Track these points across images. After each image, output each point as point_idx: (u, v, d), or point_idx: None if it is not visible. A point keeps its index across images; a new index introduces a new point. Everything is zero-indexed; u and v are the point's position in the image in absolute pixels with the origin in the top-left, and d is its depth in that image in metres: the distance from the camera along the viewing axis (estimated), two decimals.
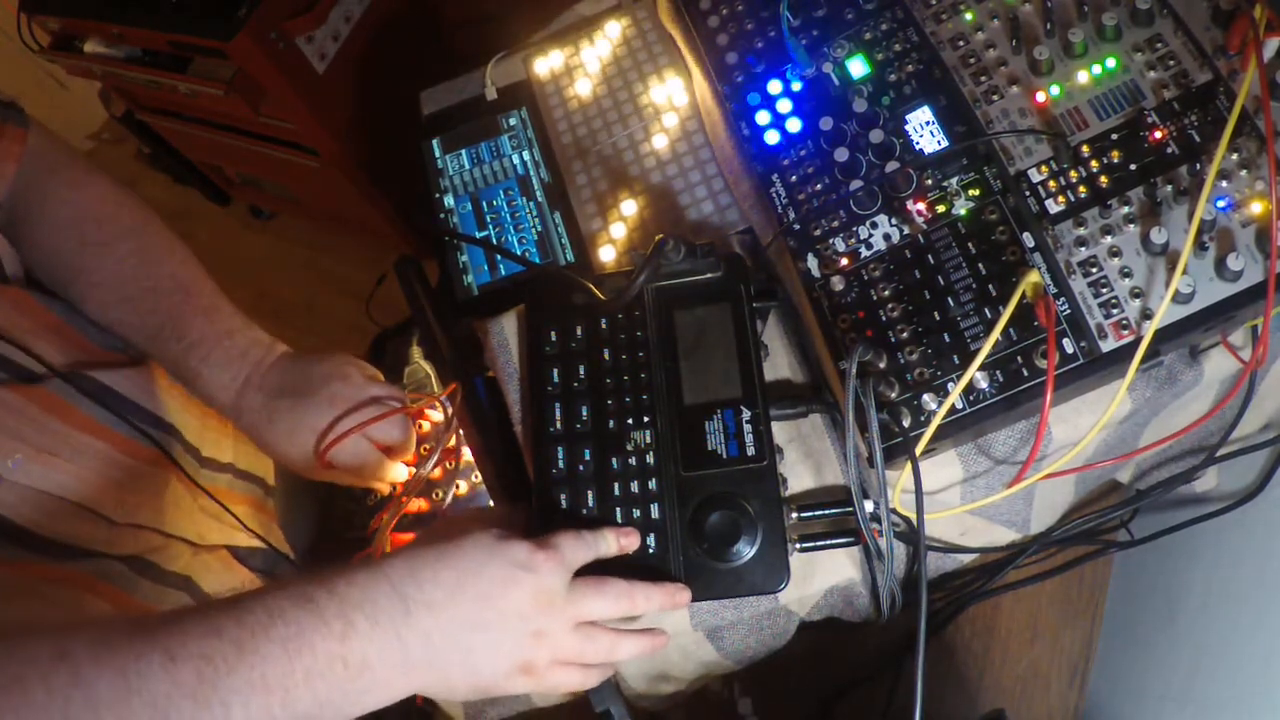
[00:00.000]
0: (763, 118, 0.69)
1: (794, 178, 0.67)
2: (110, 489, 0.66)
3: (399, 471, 0.80)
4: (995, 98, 0.62)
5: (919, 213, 0.62)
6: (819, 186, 0.66)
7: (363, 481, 0.78)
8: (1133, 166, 0.58)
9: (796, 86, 0.69)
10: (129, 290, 0.74)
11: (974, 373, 0.54)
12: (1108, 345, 0.55)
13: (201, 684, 0.43)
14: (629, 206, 0.77)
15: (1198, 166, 0.56)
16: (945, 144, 0.63)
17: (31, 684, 0.40)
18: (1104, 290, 0.56)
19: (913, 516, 0.57)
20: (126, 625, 0.44)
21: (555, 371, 0.65)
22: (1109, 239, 0.56)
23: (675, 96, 0.80)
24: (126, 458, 0.68)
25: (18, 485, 0.60)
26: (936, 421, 0.55)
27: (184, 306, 0.74)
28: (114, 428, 0.68)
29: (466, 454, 0.83)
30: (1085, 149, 0.59)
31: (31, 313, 0.67)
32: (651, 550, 0.59)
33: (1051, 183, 0.59)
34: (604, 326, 0.66)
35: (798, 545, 0.60)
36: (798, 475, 0.64)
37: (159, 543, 0.70)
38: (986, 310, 0.58)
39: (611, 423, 0.62)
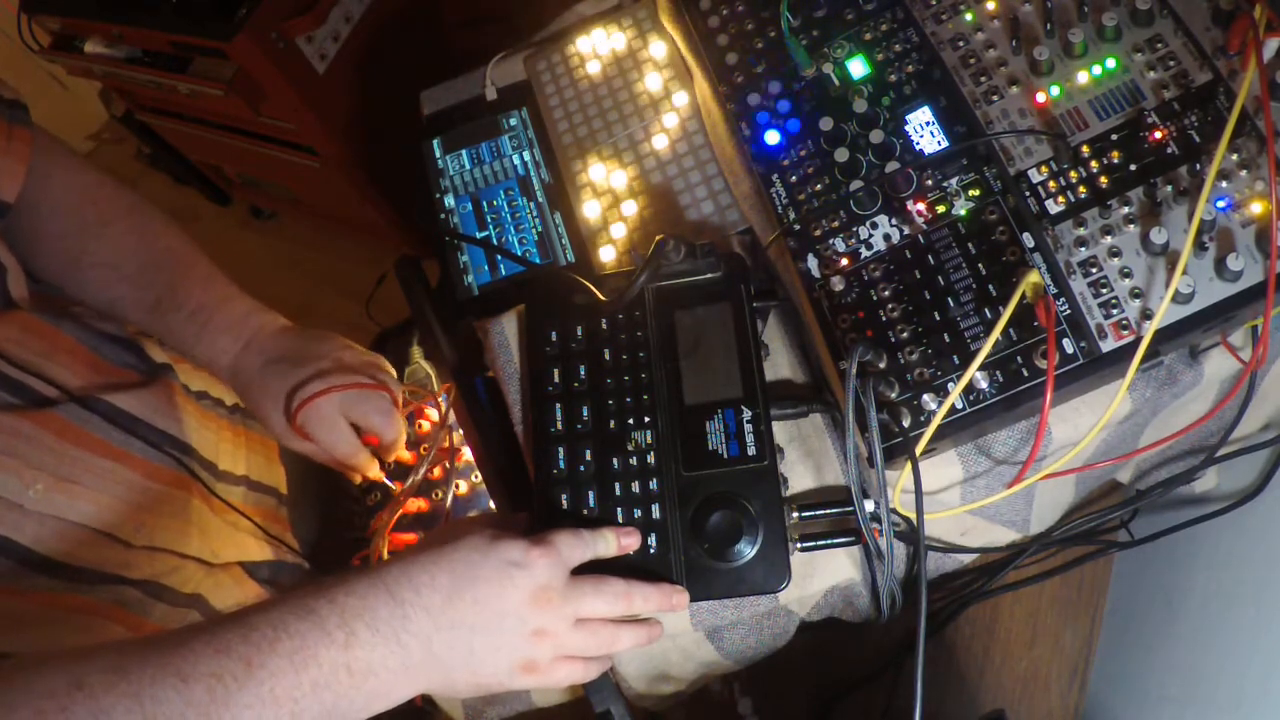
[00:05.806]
0: (763, 118, 0.69)
1: (794, 178, 0.67)
2: (129, 512, 0.66)
3: (374, 465, 0.80)
4: (995, 98, 0.62)
5: (919, 213, 0.62)
6: (819, 187, 0.66)
7: (337, 464, 0.79)
8: (1133, 167, 0.58)
9: (796, 87, 0.69)
10: (128, 268, 0.75)
11: (974, 373, 0.54)
12: (1108, 345, 0.55)
13: (213, 702, 0.44)
14: (629, 206, 0.77)
15: (1198, 166, 0.56)
16: (945, 144, 0.63)
17: (51, 718, 0.41)
18: (1104, 290, 0.56)
19: (913, 516, 0.57)
20: (138, 649, 0.45)
21: (555, 372, 0.65)
22: (1109, 239, 0.56)
23: (675, 96, 0.80)
24: (145, 479, 0.68)
25: (38, 514, 0.60)
26: (936, 421, 0.55)
27: (181, 277, 0.76)
28: (131, 450, 0.68)
29: (466, 454, 0.83)
30: (1085, 149, 0.59)
31: (43, 335, 0.66)
32: (652, 550, 0.59)
33: (1051, 183, 0.59)
34: (604, 327, 0.66)
35: (798, 545, 0.60)
36: (798, 475, 0.64)
37: (174, 564, 0.69)
38: (986, 310, 0.58)
39: (612, 423, 0.62)
